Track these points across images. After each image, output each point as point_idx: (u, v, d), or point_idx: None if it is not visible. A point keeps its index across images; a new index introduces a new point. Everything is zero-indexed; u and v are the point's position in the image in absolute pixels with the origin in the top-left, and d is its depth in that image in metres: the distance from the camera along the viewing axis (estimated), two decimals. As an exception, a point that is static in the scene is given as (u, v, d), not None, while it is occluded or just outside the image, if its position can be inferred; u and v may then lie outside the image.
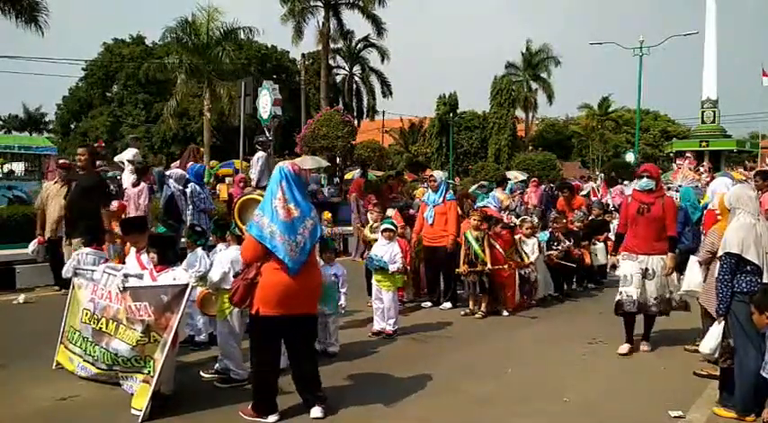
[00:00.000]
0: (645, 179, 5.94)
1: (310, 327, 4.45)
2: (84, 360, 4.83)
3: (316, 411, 4.25)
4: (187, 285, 4.36)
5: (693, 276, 5.40)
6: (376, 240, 7.18)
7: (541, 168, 33.68)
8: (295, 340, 4.26)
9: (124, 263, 5.19)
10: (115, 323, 4.57)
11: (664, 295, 5.91)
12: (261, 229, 4.04)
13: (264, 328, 4.13)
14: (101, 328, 4.66)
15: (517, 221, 9.06)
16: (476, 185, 13.85)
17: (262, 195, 4.92)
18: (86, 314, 4.87)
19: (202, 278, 5.26)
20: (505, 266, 7.63)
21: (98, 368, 4.71)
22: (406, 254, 7.72)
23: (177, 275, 4.60)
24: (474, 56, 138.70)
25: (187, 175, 9.65)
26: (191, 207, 9.46)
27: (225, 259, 4.91)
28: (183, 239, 8.31)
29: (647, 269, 5.86)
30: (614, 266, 6.31)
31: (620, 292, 5.96)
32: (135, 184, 9.54)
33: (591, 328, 7.08)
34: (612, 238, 11.30)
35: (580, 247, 9.30)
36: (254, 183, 11.13)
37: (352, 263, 10.71)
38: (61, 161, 9.37)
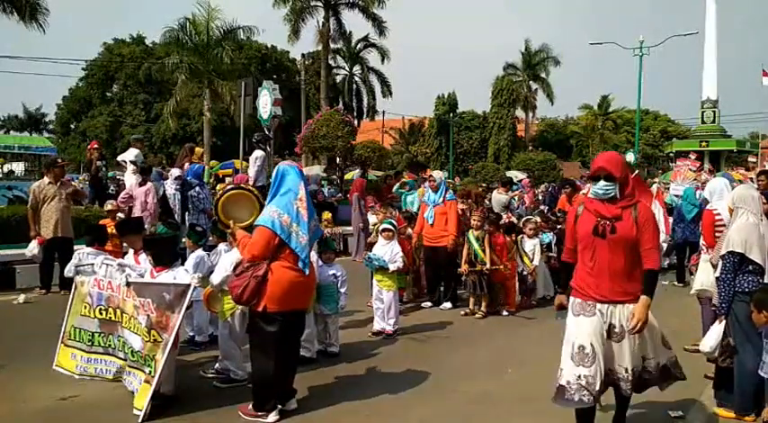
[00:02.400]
0: (602, 183, 3.59)
1: (302, 320, 4.51)
2: (92, 352, 4.81)
3: (292, 403, 4.39)
4: (189, 286, 4.36)
5: (705, 276, 5.39)
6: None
7: (541, 168, 33.73)
8: (290, 334, 4.27)
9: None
10: (121, 312, 4.58)
11: (647, 364, 3.76)
12: (283, 228, 4.05)
13: (270, 325, 4.14)
14: (109, 317, 4.66)
15: (514, 220, 9.09)
16: (398, 184, 13.52)
17: (247, 189, 4.92)
18: (86, 308, 4.87)
19: (204, 279, 5.27)
20: (501, 267, 7.61)
21: (116, 357, 4.67)
22: (408, 253, 7.73)
23: (178, 275, 4.60)
24: (474, 56, 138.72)
25: (183, 175, 9.68)
26: (190, 208, 9.49)
27: (228, 262, 4.88)
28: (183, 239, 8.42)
29: (612, 325, 3.60)
30: (561, 307, 4.14)
31: (565, 374, 3.77)
32: (141, 184, 9.54)
33: (591, 328, 7.08)
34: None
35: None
36: (251, 182, 11.13)
37: (352, 263, 10.73)
38: (59, 161, 9.34)
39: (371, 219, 10.09)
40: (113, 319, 4.62)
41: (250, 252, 4.10)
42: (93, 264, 5.06)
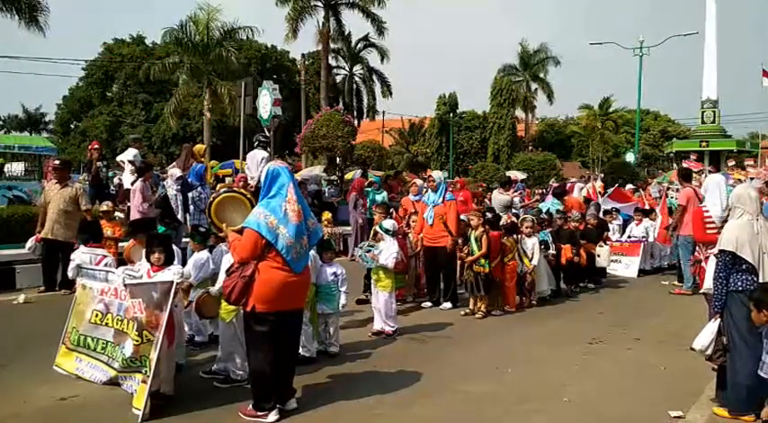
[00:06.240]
0: None
1: (298, 320, 4.51)
2: (98, 359, 4.82)
3: (292, 403, 4.38)
4: (172, 282, 4.35)
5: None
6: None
7: (541, 168, 33.73)
8: (285, 333, 4.27)
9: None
10: (132, 323, 4.57)
11: None
12: (269, 229, 4.05)
13: (260, 325, 4.15)
14: (122, 328, 4.65)
15: (514, 220, 9.09)
16: (366, 183, 13.45)
17: (239, 192, 4.90)
18: (98, 316, 4.86)
19: (205, 281, 5.27)
20: (486, 264, 7.55)
21: (112, 367, 4.70)
22: (405, 252, 7.74)
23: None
24: (475, 55, 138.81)
25: (185, 176, 9.70)
26: (192, 208, 9.50)
27: (228, 264, 4.85)
28: (183, 239, 8.44)
29: None
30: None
31: None
32: (133, 184, 9.57)
33: (591, 328, 7.09)
34: (611, 237, 11.44)
35: (579, 247, 9.33)
36: (253, 182, 11.13)
37: (350, 262, 10.73)
38: (56, 162, 9.35)
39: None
40: (125, 330, 4.61)
41: (238, 254, 4.15)
42: (110, 271, 5.04)
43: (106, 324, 4.80)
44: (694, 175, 13.66)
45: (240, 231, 4.25)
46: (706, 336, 4.46)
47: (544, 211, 10.17)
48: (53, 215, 8.35)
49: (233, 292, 4.10)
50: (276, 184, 4.22)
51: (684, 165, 15.16)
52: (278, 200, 4.16)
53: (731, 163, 17.08)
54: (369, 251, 6.63)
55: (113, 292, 4.80)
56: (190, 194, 9.58)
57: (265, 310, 4.11)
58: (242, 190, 5.26)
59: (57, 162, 9.30)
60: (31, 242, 8.37)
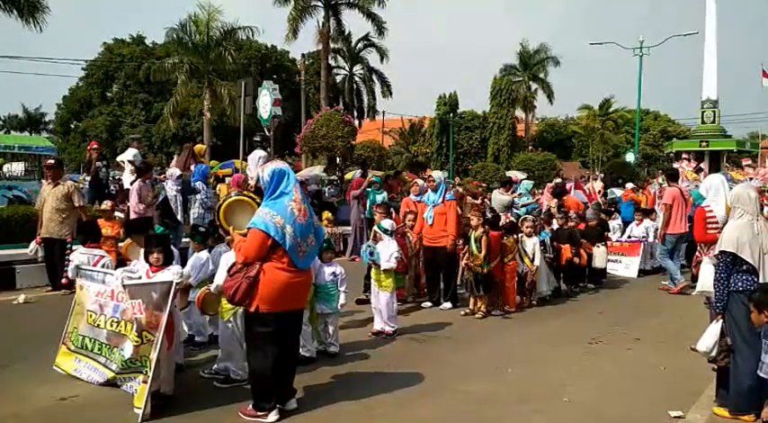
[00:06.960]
0: None
1: (299, 320, 4.51)
2: (95, 360, 4.82)
3: (292, 403, 4.38)
4: (172, 283, 4.35)
5: (707, 278, 5.43)
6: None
7: (541, 168, 33.75)
8: (286, 334, 4.28)
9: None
10: (131, 324, 4.57)
11: None
12: (276, 229, 4.04)
13: (263, 326, 4.15)
14: (119, 330, 4.64)
15: (513, 219, 9.09)
16: (366, 183, 13.41)
17: (249, 196, 4.91)
18: (91, 316, 4.85)
19: (204, 282, 5.26)
20: (485, 266, 7.55)
21: (109, 369, 4.69)
22: (405, 252, 7.73)
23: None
24: (474, 56, 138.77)
25: (188, 177, 9.71)
26: (197, 205, 9.51)
27: (229, 262, 4.86)
28: (184, 239, 8.44)
29: None
30: None
31: None
32: (133, 184, 9.59)
33: (591, 328, 7.09)
34: (612, 237, 11.43)
35: (579, 246, 9.33)
36: (252, 182, 11.13)
37: (350, 263, 10.74)
38: (48, 161, 9.33)
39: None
40: (123, 332, 4.60)
41: (244, 255, 4.12)
42: (108, 272, 5.03)
43: (98, 326, 4.80)
44: (688, 172, 13.69)
45: (247, 234, 4.25)
46: (709, 338, 4.46)
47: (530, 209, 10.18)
48: (47, 214, 8.38)
49: (237, 292, 4.08)
50: (281, 184, 4.22)
51: (676, 165, 15.20)
52: (284, 199, 4.16)
53: (725, 166, 17.17)
54: (371, 252, 6.63)
55: (109, 293, 4.79)
56: (195, 199, 9.60)
57: (268, 311, 4.11)
58: (250, 193, 5.26)
59: (51, 161, 9.23)
60: (32, 245, 8.45)
